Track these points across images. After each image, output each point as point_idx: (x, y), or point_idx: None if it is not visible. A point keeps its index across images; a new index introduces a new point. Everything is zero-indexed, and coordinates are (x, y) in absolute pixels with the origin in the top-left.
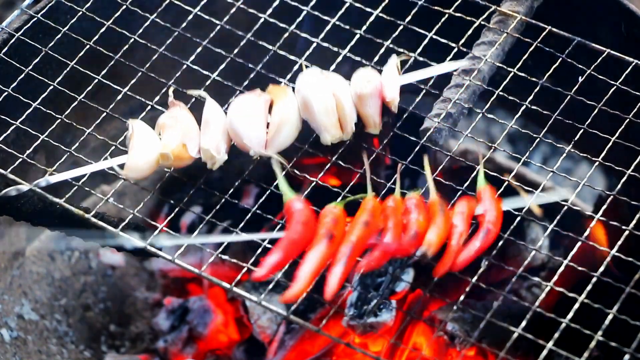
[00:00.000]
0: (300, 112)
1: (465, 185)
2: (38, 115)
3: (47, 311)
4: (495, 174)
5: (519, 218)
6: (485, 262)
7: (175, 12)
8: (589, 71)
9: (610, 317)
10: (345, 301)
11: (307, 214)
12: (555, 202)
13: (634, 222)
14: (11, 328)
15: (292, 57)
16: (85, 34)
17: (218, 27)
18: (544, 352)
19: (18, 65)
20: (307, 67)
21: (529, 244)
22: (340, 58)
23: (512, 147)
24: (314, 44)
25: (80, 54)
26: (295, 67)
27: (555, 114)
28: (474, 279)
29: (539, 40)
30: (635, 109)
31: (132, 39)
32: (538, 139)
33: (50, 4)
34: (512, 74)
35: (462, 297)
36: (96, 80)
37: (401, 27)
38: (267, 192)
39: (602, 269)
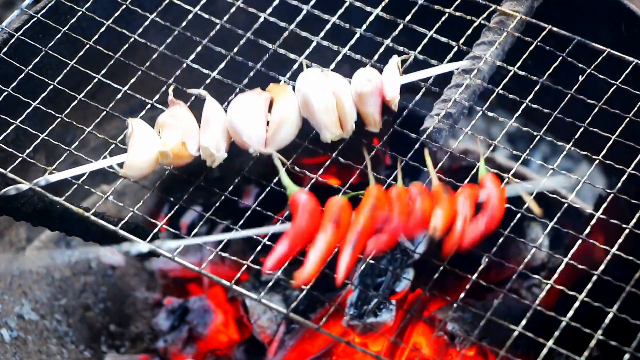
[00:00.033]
0: (301, 111)
1: (466, 182)
2: (38, 114)
3: (47, 311)
4: (495, 171)
5: (519, 215)
6: (486, 259)
7: (175, 11)
8: (589, 70)
9: (610, 315)
10: (345, 301)
11: (312, 204)
12: (556, 200)
13: (634, 220)
14: (11, 328)
15: (292, 56)
16: (85, 33)
17: (218, 26)
18: (544, 351)
19: (18, 65)
20: (307, 65)
21: (529, 243)
22: (340, 57)
23: (512, 145)
24: (314, 43)
25: (80, 54)
26: (295, 66)
27: (556, 113)
28: (474, 276)
29: (539, 39)
30: (636, 108)
31: (132, 39)
32: (538, 138)
33: (50, 4)
34: (512, 73)
35: (462, 296)
36: (96, 80)
37: (401, 26)
38: (267, 189)
39: (602, 267)
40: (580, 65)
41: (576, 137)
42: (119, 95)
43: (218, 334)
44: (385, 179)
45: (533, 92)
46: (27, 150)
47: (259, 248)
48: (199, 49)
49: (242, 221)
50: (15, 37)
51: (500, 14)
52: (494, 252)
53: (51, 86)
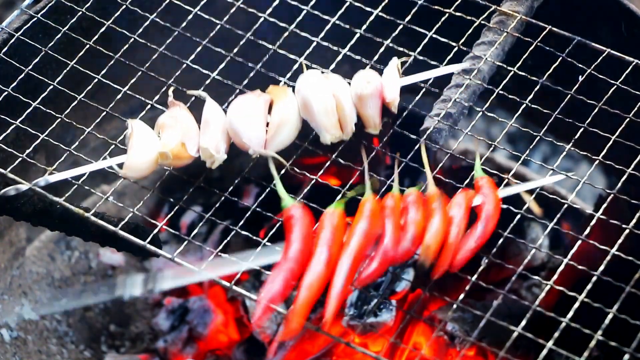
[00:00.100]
0: (300, 112)
1: (465, 183)
2: (38, 114)
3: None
4: (495, 172)
5: (518, 216)
6: (485, 260)
7: (175, 12)
8: (589, 71)
9: (610, 316)
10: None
11: (305, 226)
12: (555, 200)
13: (634, 220)
14: (11, 328)
15: (292, 56)
16: (85, 34)
17: (218, 27)
18: (544, 352)
19: (18, 65)
20: (307, 66)
21: (529, 243)
22: (340, 57)
23: (512, 146)
24: (314, 43)
25: (80, 54)
26: (295, 66)
27: (555, 113)
28: (474, 278)
29: (539, 39)
30: (636, 109)
31: (132, 39)
32: (538, 138)
33: (50, 4)
34: (512, 73)
35: (461, 297)
36: (96, 80)
37: (401, 27)
38: (267, 190)
39: (602, 267)
40: (580, 65)
41: (576, 137)
42: (119, 96)
43: (218, 334)
44: (384, 181)
45: (533, 93)
46: (27, 151)
47: (259, 249)
48: (199, 49)
49: (242, 222)
50: (15, 37)
51: (500, 14)
52: (494, 253)
53: (51, 86)
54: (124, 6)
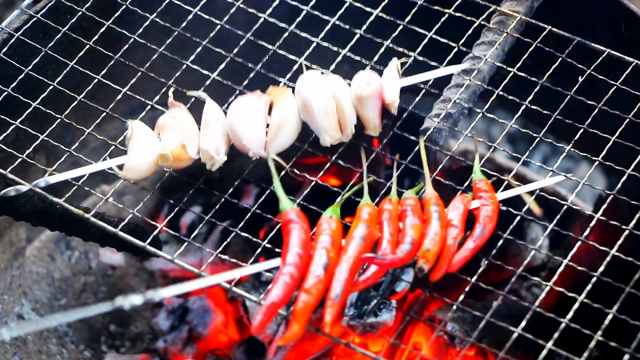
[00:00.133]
0: (300, 114)
1: (465, 184)
2: (38, 115)
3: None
4: (495, 173)
5: (518, 217)
6: (485, 261)
7: (175, 12)
8: (589, 71)
9: (610, 317)
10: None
11: (302, 235)
12: (555, 201)
13: (634, 221)
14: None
15: (292, 57)
16: (85, 33)
17: (218, 27)
18: (544, 352)
19: (18, 65)
20: (307, 66)
21: (529, 244)
22: (340, 58)
23: (512, 146)
24: (314, 44)
25: (80, 54)
26: (295, 67)
27: (555, 114)
28: (474, 279)
29: (539, 40)
30: (636, 109)
31: (132, 39)
32: (538, 139)
33: (50, 4)
34: (512, 73)
35: (461, 297)
36: (96, 80)
37: (401, 27)
38: (267, 192)
39: (602, 268)
40: (580, 66)
41: (576, 138)
42: (119, 96)
43: (218, 334)
44: (384, 183)
45: (533, 93)
46: (27, 151)
47: (259, 250)
48: (199, 49)
49: (242, 224)
50: (15, 37)
51: (500, 15)
52: (494, 254)
53: (51, 86)
54: (124, 6)
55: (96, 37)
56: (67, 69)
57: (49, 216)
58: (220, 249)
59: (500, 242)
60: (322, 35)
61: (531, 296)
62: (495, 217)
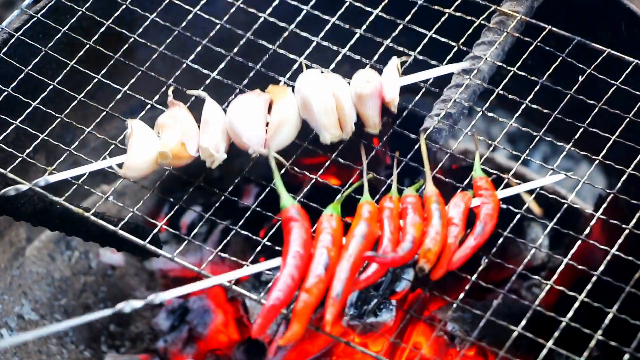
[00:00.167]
0: (300, 112)
1: (465, 183)
2: (38, 114)
3: (47, 311)
4: (495, 172)
5: (518, 216)
6: (485, 260)
7: (175, 11)
8: (589, 71)
9: (610, 316)
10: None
11: (304, 230)
12: (555, 200)
13: (634, 220)
14: (11, 328)
15: (292, 56)
16: (85, 34)
17: (218, 27)
18: (544, 351)
19: (18, 65)
20: (307, 66)
21: (529, 243)
22: (340, 57)
23: (512, 146)
24: (314, 43)
25: (80, 54)
26: (295, 66)
27: (555, 113)
28: (474, 277)
29: (539, 39)
30: (636, 108)
31: (132, 39)
32: (538, 138)
33: (50, 4)
34: (512, 73)
35: (461, 296)
36: (96, 80)
37: (401, 27)
38: (267, 190)
39: (602, 267)
40: (580, 65)
41: (576, 137)
42: (119, 96)
43: (218, 334)
44: (384, 180)
45: (533, 93)
46: (27, 150)
47: (258, 248)
48: (199, 49)
49: (241, 222)
50: (15, 37)
51: (500, 14)
52: (494, 253)
53: (51, 86)
54: (124, 6)
55: (96, 37)
56: (67, 68)
57: (49, 216)
58: (220, 247)
59: (501, 240)
60: (322, 34)
61: (531, 295)
62: (496, 215)
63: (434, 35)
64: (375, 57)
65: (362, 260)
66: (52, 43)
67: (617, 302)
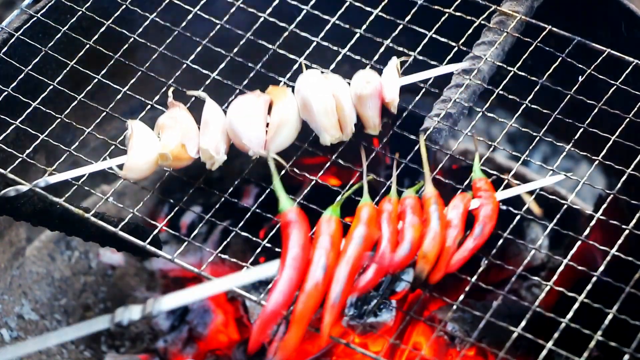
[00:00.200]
0: (300, 113)
1: (465, 184)
2: (38, 114)
3: (47, 311)
4: (495, 172)
5: (518, 217)
6: (485, 261)
7: (175, 11)
8: (589, 71)
9: (610, 316)
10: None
11: (302, 233)
12: (555, 201)
13: (634, 221)
14: (11, 328)
15: (292, 56)
16: (85, 34)
17: (218, 27)
18: (544, 352)
19: (18, 65)
20: (307, 66)
21: (529, 244)
22: (340, 57)
23: (512, 146)
24: (314, 43)
25: (80, 54)
26: (295, 66)
27: (555, 113)
28: (474, 279)
29: (539, 39)
30: (636, 109)
31: (132, 39)
32: (538, 138)
33: (50, 4)
34: (512, 73)
35: (461, 297)
36: (96, 80)
37: (401, 27)
38: (267, 191)
39: (601, 268)
40: (580, 65)
41: (576, 137)
42: (119, 96)
43: (218, 334)
44: (384, 182)
45: (533, 93)
46: (27, 151)
47: (259, 249)
48: (199, 49)
49: (242, 223)
50: (15, 37)
51: (500, 14)
52: (493, 254)
53: (51, 86)
54: (124, 6)
55: (96, 37)
56: (67, 68)
57: (49, 216)
58: (220, 248)
59: (500, 241)
60: (322, 34)
61: (531, 296)
62: (495, 216)
63: (434, 35)
64: (376, 57)
65: (361, 263)
66: (52, 43)
67: (617, 302)
